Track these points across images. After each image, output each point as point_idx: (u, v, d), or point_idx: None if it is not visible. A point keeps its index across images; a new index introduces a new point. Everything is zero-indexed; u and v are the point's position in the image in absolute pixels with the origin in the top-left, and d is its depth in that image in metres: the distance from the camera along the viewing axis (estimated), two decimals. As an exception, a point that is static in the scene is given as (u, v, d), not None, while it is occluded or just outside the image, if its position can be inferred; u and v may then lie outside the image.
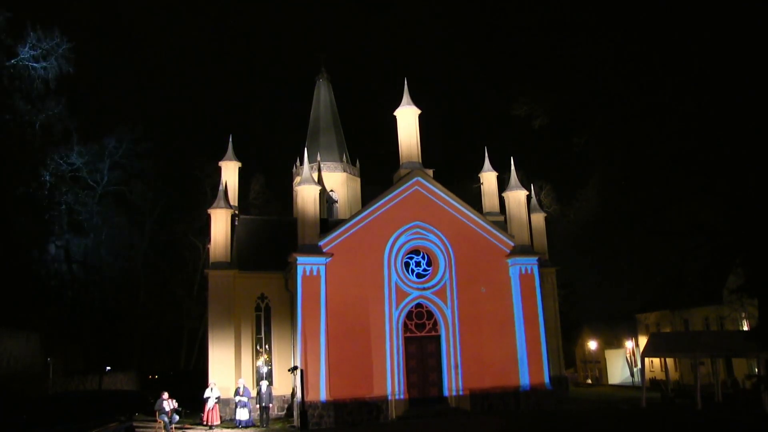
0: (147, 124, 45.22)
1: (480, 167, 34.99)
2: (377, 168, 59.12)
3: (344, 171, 39.46)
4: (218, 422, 26.57)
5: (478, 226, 29.79)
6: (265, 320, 30.77)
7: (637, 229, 23.45)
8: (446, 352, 28.17)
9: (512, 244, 29.90)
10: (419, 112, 29.95)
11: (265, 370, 29.81)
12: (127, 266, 46.01)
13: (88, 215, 42.34)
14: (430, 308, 28.64)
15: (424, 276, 29.00)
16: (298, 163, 39.82)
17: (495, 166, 34.49)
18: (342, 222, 29.02)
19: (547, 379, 28.78)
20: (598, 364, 55.62)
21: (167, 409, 24.46)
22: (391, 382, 26.82)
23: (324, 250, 27.12)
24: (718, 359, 31.34)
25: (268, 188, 52.78)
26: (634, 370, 47.99)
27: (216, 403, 26.51)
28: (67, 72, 33.58)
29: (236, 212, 33.37)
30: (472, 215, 29.80)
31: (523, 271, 29.54)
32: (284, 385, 29.68)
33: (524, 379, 28.40)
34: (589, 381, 54.79)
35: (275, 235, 32.64)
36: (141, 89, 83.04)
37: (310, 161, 30.88)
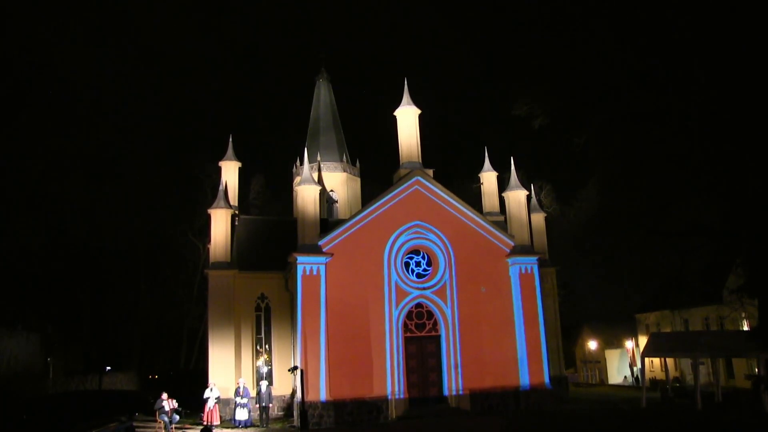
0: (147, 123, 45.05)
1: (480, 167, 34.93)
2: (377, 168, 59.21)
3: (344, 171, 39.42)
4: (218, 422, 26.53)
5: (478, 226, 29.78)
6: (265, 320, 30.73)
7: (637, 229, 23.41)
8: (446, 352, 28.15)
9: (512, 243, 29.89)
10: (419, 112, 29.94)
11: (265, 370, 29.78)
12: (127, 266, 46.04)
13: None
14: (430, 308, 28.62)
15: (424, 276, 28.98)
16: (298, 163, 39.79)
17: (495, 166, 34.43)
18: (342, 222, 29.00)
19: (547, 379, 28.77)
20: (598, 364, 55.60)
21: (167, 409, 24.44)
22: (391, 382, 26.80)
23: (324, 250, 27.11)
24: (718, 359, 31.35)
25: (268, 188, 52.81)
26: (635, 369, 47.96)
27: (216, 403, 26.48)
28: None
29: (236, 212, 33.32)
30: (472, 215, 29.78)
31: (523, 271, 29.53)
32: (284, 385, 29.67)
33: (524, 379, 28.38)
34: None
35: (275, 235, 32.60)
36: (141, 89, 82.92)
37: (310, 161, 30.88)
